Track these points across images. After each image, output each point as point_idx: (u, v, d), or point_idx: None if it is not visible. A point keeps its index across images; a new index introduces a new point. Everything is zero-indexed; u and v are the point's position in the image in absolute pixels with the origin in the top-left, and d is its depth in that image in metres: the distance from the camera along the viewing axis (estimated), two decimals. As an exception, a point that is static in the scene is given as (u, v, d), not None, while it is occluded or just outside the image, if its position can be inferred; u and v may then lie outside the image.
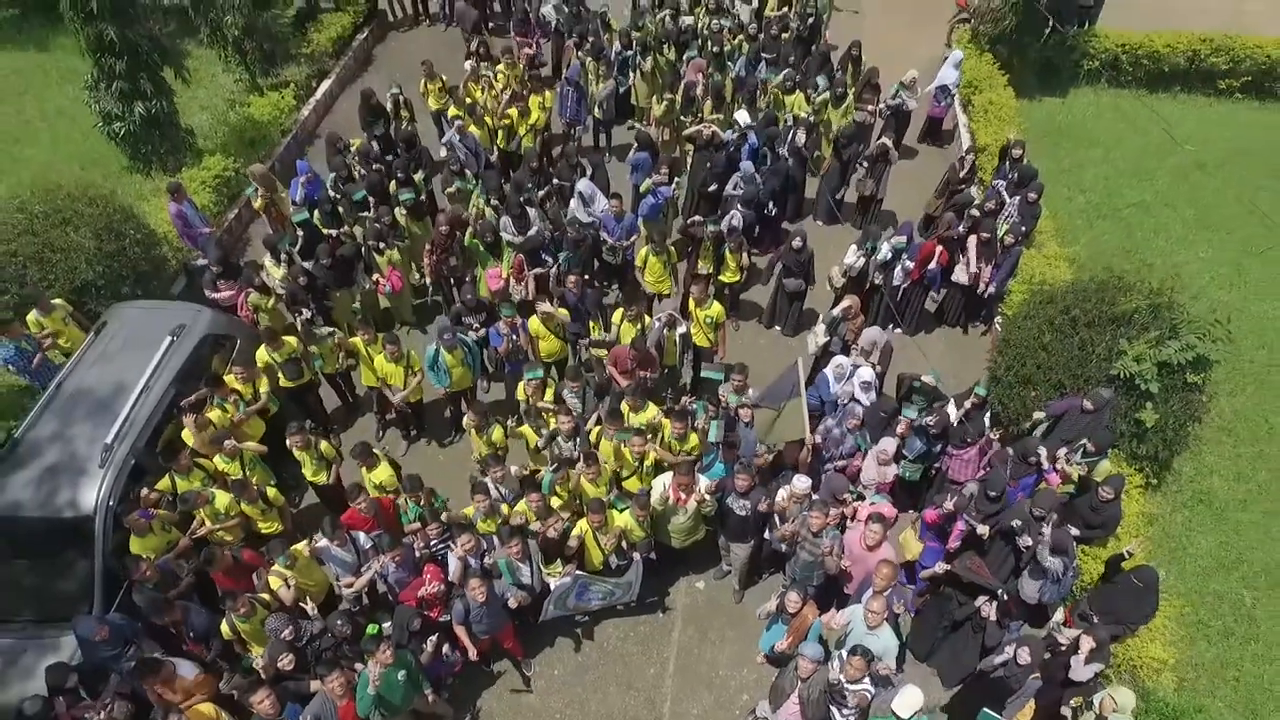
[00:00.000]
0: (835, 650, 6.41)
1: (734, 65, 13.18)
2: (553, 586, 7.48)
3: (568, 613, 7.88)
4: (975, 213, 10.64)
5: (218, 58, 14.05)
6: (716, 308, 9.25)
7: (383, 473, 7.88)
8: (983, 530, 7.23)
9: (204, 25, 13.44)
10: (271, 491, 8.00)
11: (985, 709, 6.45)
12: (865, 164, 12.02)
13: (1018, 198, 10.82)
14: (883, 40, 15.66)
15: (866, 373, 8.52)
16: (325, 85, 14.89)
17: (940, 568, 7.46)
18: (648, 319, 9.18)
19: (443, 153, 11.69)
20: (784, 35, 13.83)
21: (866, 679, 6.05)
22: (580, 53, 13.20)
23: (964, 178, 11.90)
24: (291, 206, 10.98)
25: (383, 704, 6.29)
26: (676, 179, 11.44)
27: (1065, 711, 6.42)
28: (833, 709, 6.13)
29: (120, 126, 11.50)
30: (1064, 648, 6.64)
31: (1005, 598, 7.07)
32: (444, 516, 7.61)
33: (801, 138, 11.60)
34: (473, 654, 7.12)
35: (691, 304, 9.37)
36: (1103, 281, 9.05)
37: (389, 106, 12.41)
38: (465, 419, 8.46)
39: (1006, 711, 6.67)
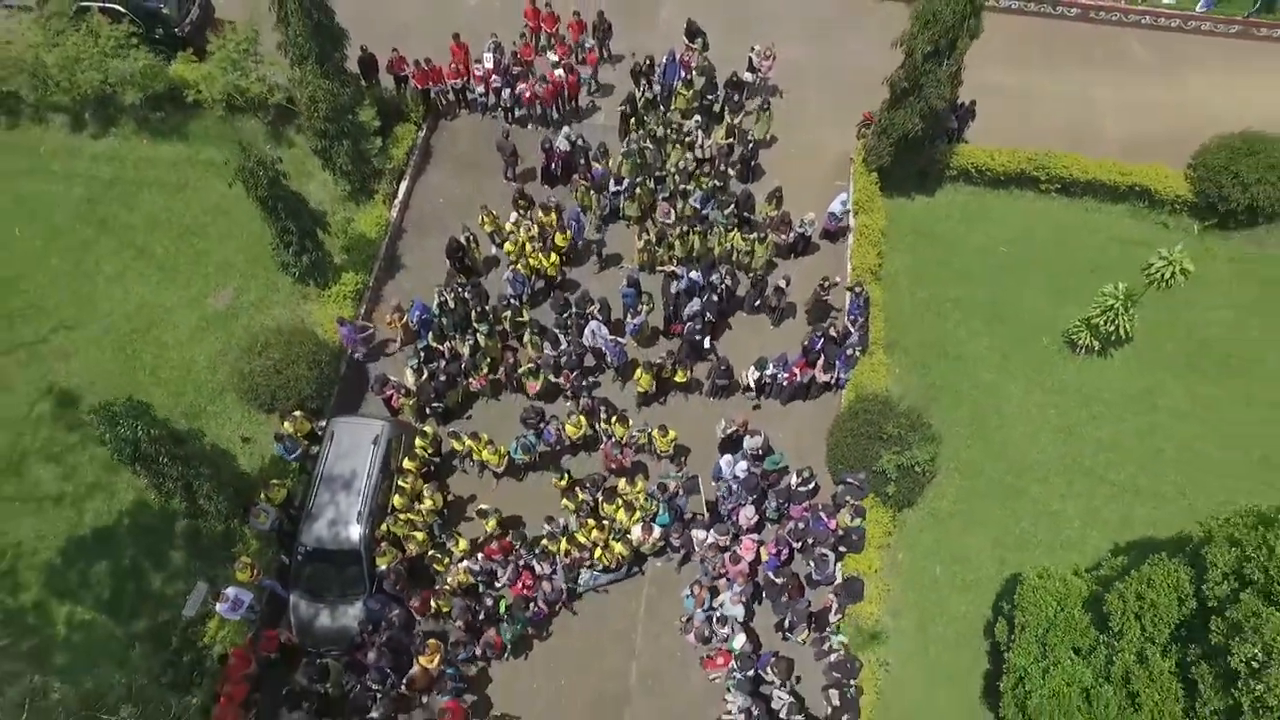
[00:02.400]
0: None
1: (692, 199, 19.33)
2: (584, 576, 15.56)
3: (590, 588, 16.02)
4: (832, 333, 17.67)
5: (329, 177, 19.95)
6: (671, 434, 16.49)
7: (492, 523, 15.62)
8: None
9: (325, 165, 19.31)
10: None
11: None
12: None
13: (859, 321, 17.77)
14: (808, 139, 21.47)
15: (742, 467, 16.07)
16: (403, 186, 20.78)
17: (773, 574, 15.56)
18: (629, 423, 16.55)
19: (506, 289, 18.27)
20: (731, 173, 19.85)
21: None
22: (584, 183, 19.28)
23: (826, 290, 18.50)
24: (413, 330, 17.84)
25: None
26: (648, 307, 18.13)
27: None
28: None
29: (294, 270, 17.94)
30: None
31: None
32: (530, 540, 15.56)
33: (730, 281, 18.23)
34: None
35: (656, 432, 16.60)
36: (883, 403, 16.40)
37: (463, 239, 18.72)
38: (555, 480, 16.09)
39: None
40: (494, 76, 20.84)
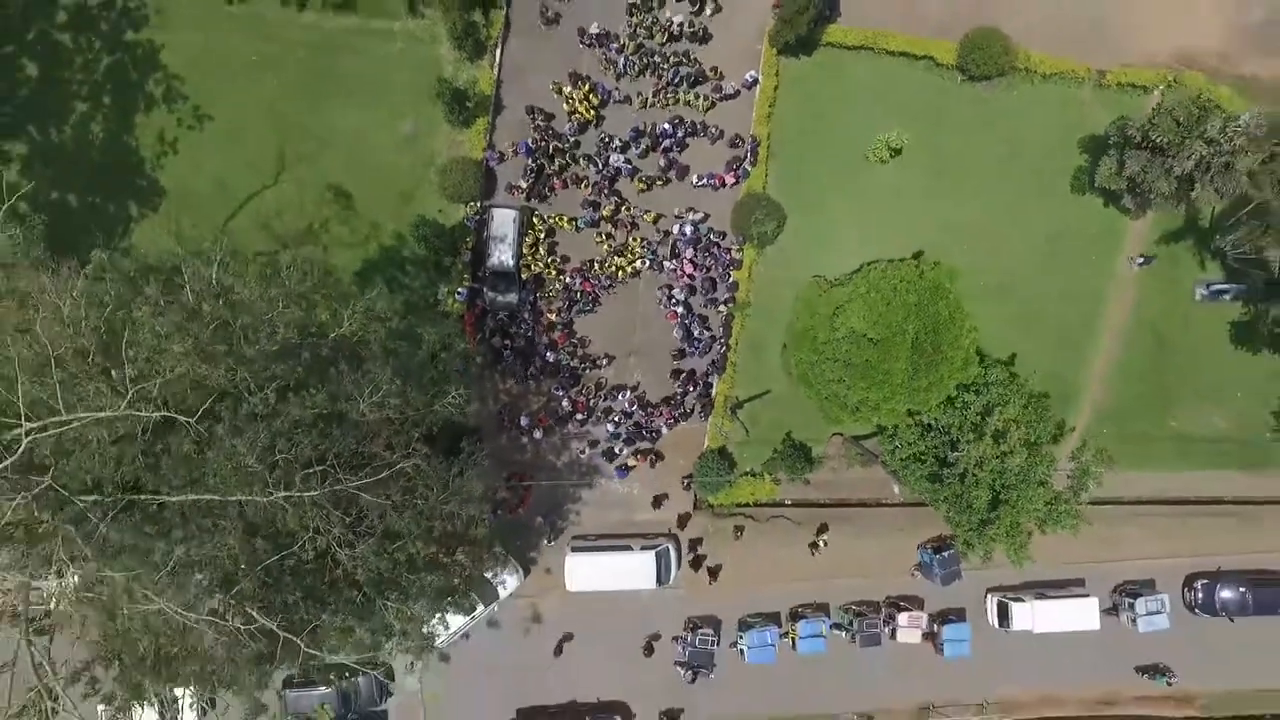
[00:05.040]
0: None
1: (669, 73, 34.17)
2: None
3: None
4: (742, 154, 34.37)
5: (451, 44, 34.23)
6: (653, 214, 34.01)
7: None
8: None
9: (450, 36, 33.61)
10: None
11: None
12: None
13: (754, 148, 34.23)
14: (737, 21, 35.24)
15: (688, 230, 33.97)
16: (499, 53, 34.89)
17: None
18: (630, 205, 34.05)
19: (566, 129, 34.18)
20: (693, 50, 34.38)
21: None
22: (605, 60, 33.98)
23: (737, 138, 34.55)
24: (522, 156, 34.24)
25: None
26: (647, 141, 34.26)
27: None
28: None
29: (453, 119, 33.53)
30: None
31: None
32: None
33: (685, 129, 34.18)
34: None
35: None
36: (763, 197, 33.80)
37: (534, 106, 33.97)
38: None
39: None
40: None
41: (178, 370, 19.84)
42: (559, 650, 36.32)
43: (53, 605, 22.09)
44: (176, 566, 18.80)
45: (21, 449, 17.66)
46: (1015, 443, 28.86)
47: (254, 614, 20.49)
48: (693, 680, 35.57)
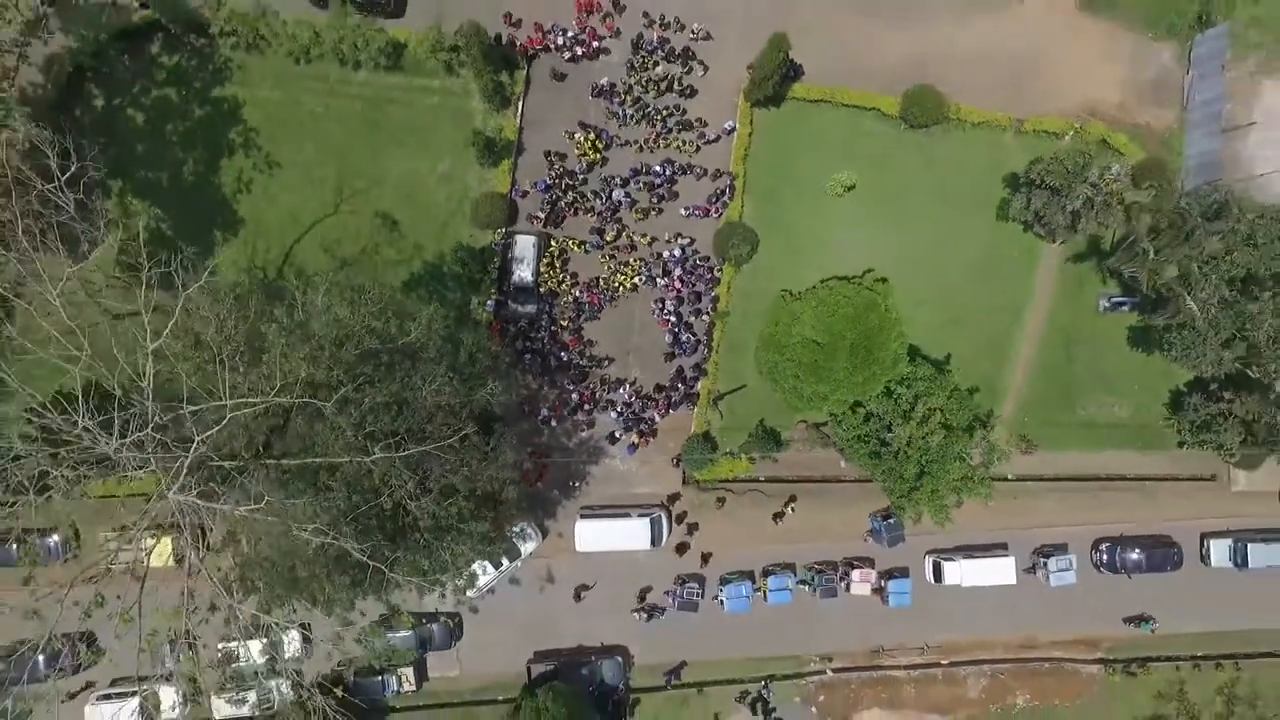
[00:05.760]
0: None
1: (661, 119, 41.61)
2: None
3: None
4: (721, 189, 41.79)
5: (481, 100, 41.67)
6: (648, 237, 41.62)
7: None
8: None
9: (480, 92, 41.06)
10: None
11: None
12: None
13: (731, 185, 41.67)
14: (717, 78, 42.61)
15: (676, 253, 41.45)
16: (521, 105, 42.34)
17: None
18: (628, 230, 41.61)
19: (575, 167, 41.67)
20: (681, 101, 41.86)
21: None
22: (609, 110, 41.44)
23: (719, 173, 41.95)
24: (540, 191, 41.70)
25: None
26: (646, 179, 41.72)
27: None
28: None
29: (484, 161, 40.94)
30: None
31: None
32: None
33: (673, 167, 41.66)
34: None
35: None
36: (740, 225, 41.27)
37: (550, 150, 41.43)
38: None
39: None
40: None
41: (298, 369, 27.23)
42: (578, 596, 43.64)
43: (210, 541, 29.56)
44: (300, 511, 26.18)
45: (224, 422, 25.08)
46: (935, 425, 36.12)
47: (351, 549, 27.80)
48: (647, 620, 42.98)
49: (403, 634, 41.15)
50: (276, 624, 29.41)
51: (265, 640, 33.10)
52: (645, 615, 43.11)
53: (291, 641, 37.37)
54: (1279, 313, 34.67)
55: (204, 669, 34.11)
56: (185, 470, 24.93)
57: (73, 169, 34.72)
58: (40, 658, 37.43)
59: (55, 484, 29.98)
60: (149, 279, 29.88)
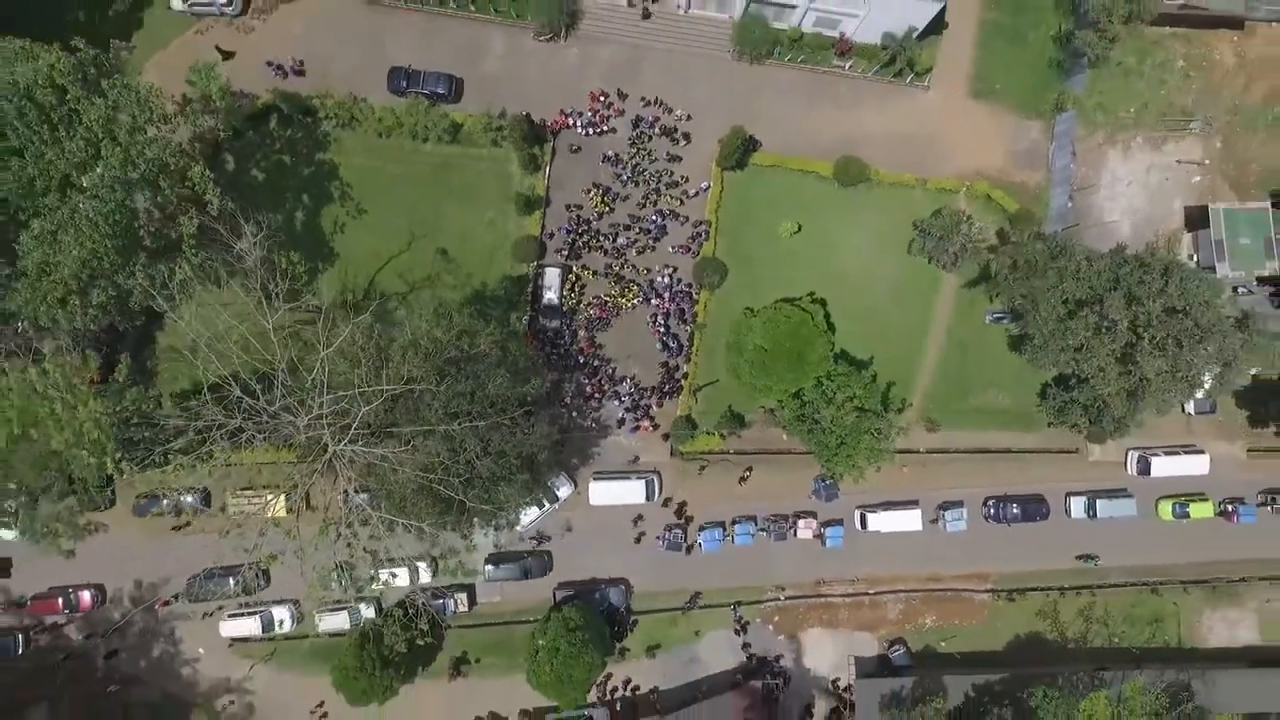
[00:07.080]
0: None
1: (653, 180, 55.64)
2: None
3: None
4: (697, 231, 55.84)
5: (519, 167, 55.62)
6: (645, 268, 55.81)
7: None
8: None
9: (518, 160, 55.08)
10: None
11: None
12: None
13: (706, 230, 55.64)
14: (697, 146, 56.56)
15: (663, 281, 55.57)
16: (548, 169, 56.22)
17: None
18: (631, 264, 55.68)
19: (591, 215, 55.74)
20: (671, 167, 55.94)
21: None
22: (615, 172, 55.44)
23: (698, 223, 55.92)
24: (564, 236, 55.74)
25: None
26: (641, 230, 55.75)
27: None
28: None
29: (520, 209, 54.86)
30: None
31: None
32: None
33: (665, 218, 55.74)
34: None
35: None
36: (718, 260, 55.24)
37: (571, 205, 55.42)
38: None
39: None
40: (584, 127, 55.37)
41: (410, 370, 41.42)
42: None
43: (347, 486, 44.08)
44: (414, 457, 40.44)
45: (382, 398, 39.46)
46: (851, 409, 50.06)
47: (438, 487, 41.81)
48: (666, 549, 57.14)
49: (509, 566, 55.63)
50: (388, 556, 43.56)
51: (373, 569, 46.86)
52: (664, 545, 56.97)
53: (398, 575, 51.24)
54: (1089, 328, 48.31)
55: (325, 590, 47.92)
56: (350, 432, 39.18)
57: (263, 233, 47.85)
58: (230, 580, 52.95)
59: (232, 448, 43.95)
60: (303, 304, 44.24)
